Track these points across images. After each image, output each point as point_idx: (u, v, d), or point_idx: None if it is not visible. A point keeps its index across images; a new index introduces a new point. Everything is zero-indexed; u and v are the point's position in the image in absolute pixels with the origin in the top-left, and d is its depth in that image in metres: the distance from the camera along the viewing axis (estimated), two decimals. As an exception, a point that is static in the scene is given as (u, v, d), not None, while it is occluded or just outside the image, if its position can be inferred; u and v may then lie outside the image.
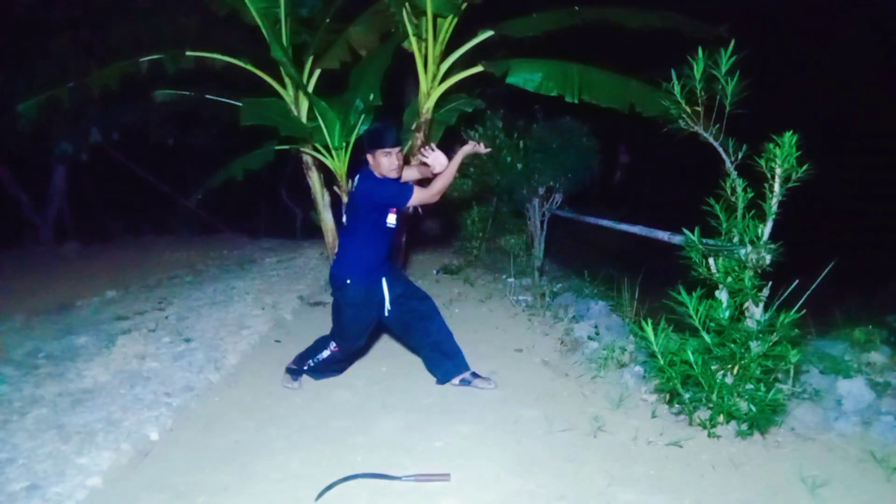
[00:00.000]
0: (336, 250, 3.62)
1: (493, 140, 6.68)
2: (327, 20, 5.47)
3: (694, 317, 2.85)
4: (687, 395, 2.98)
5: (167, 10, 8.33)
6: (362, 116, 5.41)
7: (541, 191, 6.17)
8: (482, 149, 3.48)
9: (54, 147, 9.83)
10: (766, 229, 2.85)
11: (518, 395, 3.50)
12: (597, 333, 4.25)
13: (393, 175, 3.32)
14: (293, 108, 5.72)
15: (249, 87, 6.14)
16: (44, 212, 11.23)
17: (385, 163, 3.28)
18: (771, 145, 2.73)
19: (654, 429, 3.01)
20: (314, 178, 6.11)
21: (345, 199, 5.97)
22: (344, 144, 5.56)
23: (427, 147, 3.53)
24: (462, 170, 6.84)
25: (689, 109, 2.98)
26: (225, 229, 11.43)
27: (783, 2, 10.44)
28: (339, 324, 3.51)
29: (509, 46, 6.10)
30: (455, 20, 5.24)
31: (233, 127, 5.52)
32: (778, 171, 2.76)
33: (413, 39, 5.32)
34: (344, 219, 3.52)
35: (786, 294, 2.98)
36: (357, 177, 3.41)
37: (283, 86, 5.72)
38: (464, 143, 3.57)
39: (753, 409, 2.81)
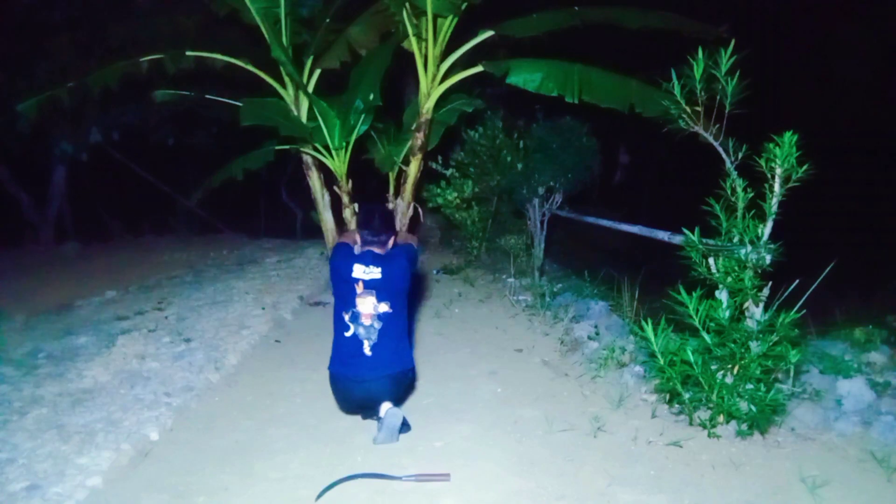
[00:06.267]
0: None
1: (493, 140, 6.68)
2: (327, 20, 5.49)
3: (694, 317, 2.85)
4: (687, 395, 2.98)
5: (167, 10, 8.33)
6: (362, 116, 5.41)
7: (541, 191, 6.17)
8: None
9: (54, 147, 9.85)
10: (766, 229, 2.85)
11: (518, 395, 3.50)
12: (597, 333, 4.25)
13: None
14: (293, 108, 5.73)
15: (249, 87, 6.14)
16: (44, 212, 11.22)
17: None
18: (771, 145, 2.73)
19: (654, 429, 3.01)
20: (314, 179, 6.11)
21: (345, 199, 5.97)
22: (344, 144, 5.56)
23: None
24: (462, 169, 6.86)
25: (689, 109, 2.98)
26: (225, 229, 11.42)
27: (783, 2, 10.44)
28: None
29: (509, 46, 6.11)
30: (455, 20, 5.24)
31: (233, 127, 5.52)
32: (778, 171, 2.76)
33: (413, 39, 5.32)
34: (382, 305, 2.99)
35: (786, 294, 2.98)
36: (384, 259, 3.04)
37: (283, 86, 5.73)
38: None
39: (753, 409, 2.81)
